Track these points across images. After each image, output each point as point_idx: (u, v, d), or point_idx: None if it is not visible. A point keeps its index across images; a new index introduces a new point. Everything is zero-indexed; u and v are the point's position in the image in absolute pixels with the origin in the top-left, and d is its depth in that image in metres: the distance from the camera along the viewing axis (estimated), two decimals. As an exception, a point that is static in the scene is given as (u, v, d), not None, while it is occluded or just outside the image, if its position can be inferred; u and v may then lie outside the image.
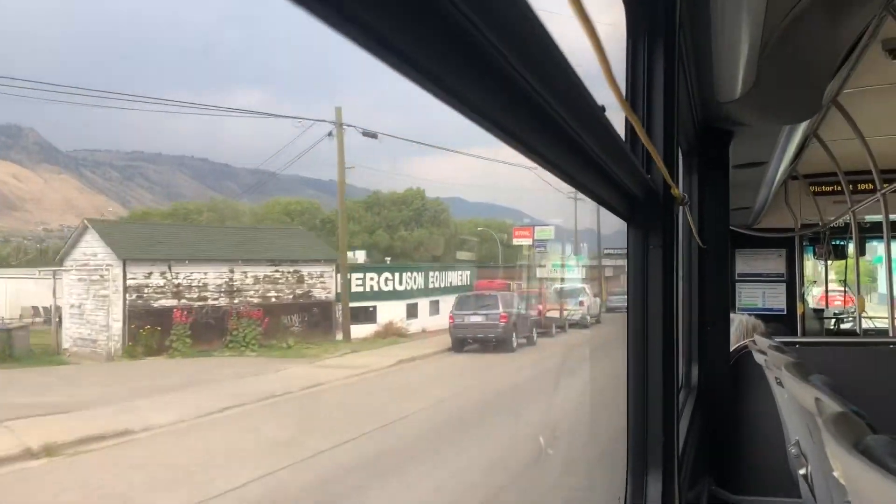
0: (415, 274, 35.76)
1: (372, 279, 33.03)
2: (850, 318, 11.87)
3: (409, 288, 34.44)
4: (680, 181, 3.14)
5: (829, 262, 11.67)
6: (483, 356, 23.54)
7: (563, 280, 38.95)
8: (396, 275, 34.63)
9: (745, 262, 9.12)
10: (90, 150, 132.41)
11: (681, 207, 2.53)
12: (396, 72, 0.64)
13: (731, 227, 5.26)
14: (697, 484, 3.78)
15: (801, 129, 5.13)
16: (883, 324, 11.01)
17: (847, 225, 9.08)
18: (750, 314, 6.12)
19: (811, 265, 13.24)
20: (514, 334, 25.40)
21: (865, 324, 9.93)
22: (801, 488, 3.02)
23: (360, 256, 39.58)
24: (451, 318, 26.67)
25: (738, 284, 9.07)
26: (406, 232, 66.33)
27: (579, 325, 31.48)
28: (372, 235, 62.86)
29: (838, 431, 1.04)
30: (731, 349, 4.73)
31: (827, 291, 13.12)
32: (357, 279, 31.94)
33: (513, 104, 0.85)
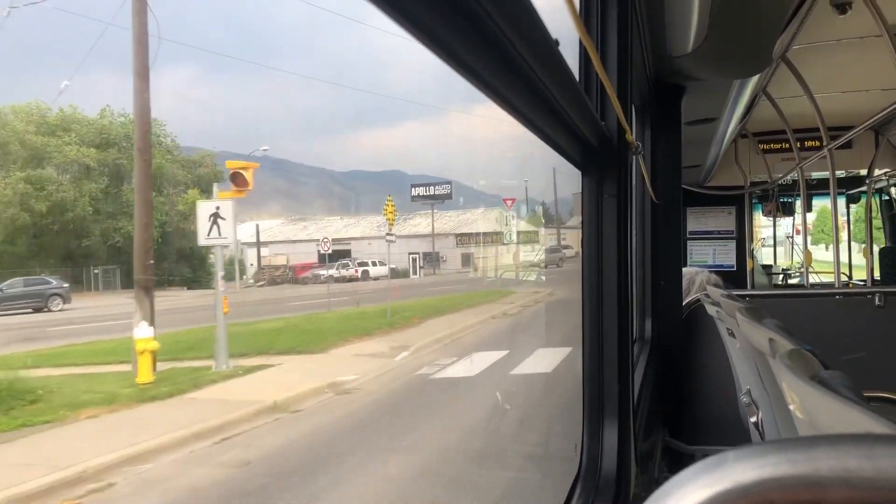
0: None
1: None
2: (798, 274, 12.19)
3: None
4: (633, 136, 3.14)
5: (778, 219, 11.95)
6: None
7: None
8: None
9: (695, 220, 9.28)
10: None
11: (634, 158, 2.52)
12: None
13: (682, 186, 5.32)
14: (652, 435, 3.85)
15: (751, 85, 5.18)
16: (829, 278, 11.33)
17: (795, 182, 9.27)
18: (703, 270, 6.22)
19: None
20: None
21: (813, 279, 10.21)
22: (752, 436, 3.09)
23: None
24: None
25: (689, 242, 9.23)
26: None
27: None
28: None
29: (795, 365, 1.05)
30: (684, 303, 4.80)
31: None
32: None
33: (464, 29, 0.80)
